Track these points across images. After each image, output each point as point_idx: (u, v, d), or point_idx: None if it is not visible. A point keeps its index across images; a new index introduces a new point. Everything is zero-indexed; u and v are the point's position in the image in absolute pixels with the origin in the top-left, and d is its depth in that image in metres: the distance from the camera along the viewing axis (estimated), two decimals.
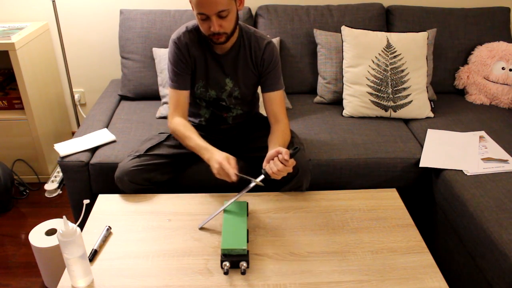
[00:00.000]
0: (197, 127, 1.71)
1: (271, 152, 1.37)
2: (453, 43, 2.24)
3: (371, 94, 2.01)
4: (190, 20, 2.15)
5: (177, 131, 1.53)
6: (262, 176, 1.35)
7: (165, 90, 2.05)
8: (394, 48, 2.02)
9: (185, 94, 1.56)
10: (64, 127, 2.59)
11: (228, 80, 1.58)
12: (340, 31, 2.12)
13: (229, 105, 1.64)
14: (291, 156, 1.33)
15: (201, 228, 1.36)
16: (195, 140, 1.47)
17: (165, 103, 2.04)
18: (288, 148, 1.44)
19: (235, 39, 1.53)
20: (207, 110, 1.66)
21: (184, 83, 1.56)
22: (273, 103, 1.59)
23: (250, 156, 1.66)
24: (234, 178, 1.33)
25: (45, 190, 2.26)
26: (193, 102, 1.67)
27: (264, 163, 1.38)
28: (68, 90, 2.52)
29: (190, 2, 1.40)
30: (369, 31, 2.06)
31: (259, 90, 1.67)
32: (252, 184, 1.34)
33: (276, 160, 1.34)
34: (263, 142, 1.55)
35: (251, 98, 1.69)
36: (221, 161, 1.34)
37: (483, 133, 1.89)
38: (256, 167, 1.64)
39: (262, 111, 1.85)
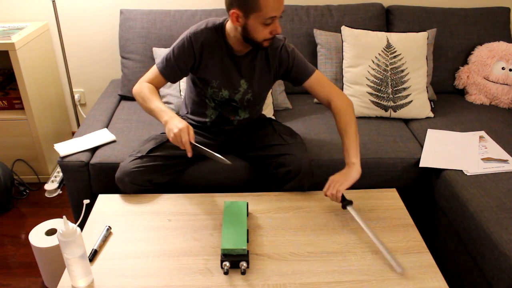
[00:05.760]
0: (200, 127, 1.70)
1: (329, 181, 1.44)
2: (453, 43, 2.24)
3: (371, 94, 2.01)
4: (189, 20, 2.17)
5: (142, 92, 1.52)
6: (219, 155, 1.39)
7: (165, 90, 2.04)
8: (394, 48, 2.02)
9: (163, 82, 1.59)
10: (64, 127, 2.59)
11: (243, 81, 1.57)
12: (340, 31, 2.11)
13: (239, 107, 1.63)
14: (342, 205, 1.43)
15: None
16: (156, 103, 1.48)
17: (166, 103, 2.04)
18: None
19: None
20: (214, 111, 1.65)
21: (170, 75, 1.56)
22: (317, 86, 1.58)
23: (253, 156, 1.66)
24: (188, 147, 1.38)
25: (45, 190, 2.26)
26: (201, 102, 1.64)
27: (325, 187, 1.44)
28: (68, 90, 2.52)
29: (252, 11, 1.35)
30: (369, 31, 2.06)
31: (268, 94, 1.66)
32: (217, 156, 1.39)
33: (331, 187, 1.42)
34: (265, 141, 1.55)
35: (261, 102, 1.69)
36: (182, 127, 1.36)
37: (483, 133, 1.89)
38: (259, 166, 1.65)
39: (263, 111, 1.85)
